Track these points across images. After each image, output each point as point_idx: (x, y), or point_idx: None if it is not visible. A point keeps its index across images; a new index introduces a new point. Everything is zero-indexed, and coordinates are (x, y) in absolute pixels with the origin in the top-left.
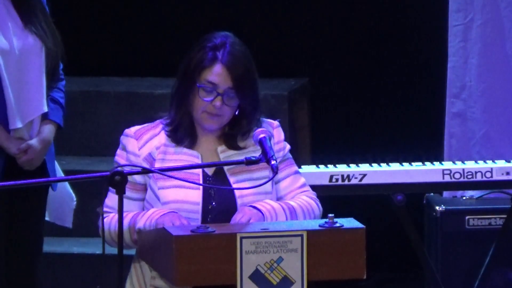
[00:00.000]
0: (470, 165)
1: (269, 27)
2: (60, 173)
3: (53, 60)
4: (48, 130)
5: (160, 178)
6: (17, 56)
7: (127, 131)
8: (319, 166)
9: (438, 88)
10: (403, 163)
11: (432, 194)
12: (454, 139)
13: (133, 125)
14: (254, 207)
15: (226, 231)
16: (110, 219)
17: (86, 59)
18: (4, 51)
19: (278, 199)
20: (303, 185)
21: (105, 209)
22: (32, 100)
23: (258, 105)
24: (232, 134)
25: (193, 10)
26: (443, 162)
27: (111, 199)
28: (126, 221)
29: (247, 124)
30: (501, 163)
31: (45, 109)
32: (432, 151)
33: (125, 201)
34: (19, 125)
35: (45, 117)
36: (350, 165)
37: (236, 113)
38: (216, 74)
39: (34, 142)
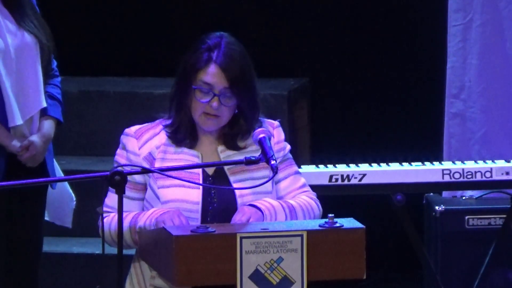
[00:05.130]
0: (469, 165)
1: (269, 27)
2: (59, 172)
3: (46, 55)
4: (48, 126)
5: (160, 177)
6: (13, 54)
7: (127, 130)
8: (319, 166)
9: (437, 88)
10: (403, 163)
11: (431, 194)
12: (453, 139)
13: (133, 125)
14: (254, 206)
15: (226, 231)
16: (110, 219)
17: (86, 59)
18: (0, 49)
19: (278, 198)
20: (303, 185)
21: (105, 209)
22: (31, 96)
23: (257, 104)
24: (232, 134)
25: (192, 10)
26: (442, 162)
27: (111, 198)
28: (126, 222)
29: (246, 124)
30: (500, 163)
31: (44, 104)
32: (432, 151)
33: (125, 200)
34: (19, 122)
35: (44, 113)
36: (350, 165)
37: (235, 112)
38: (211, 74)
39: (35, 138)
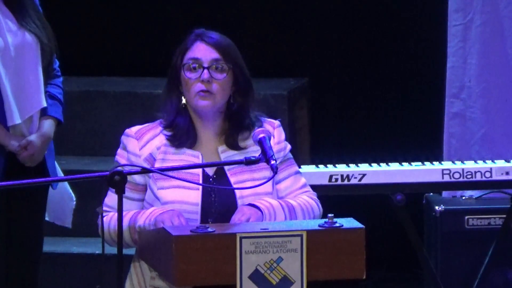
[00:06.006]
0: (469, 165)
1: (269, 27)
2: (59, 173)
3: (48, 55)
4: (48, 125)
5: (160, 178)
6: (12, 53)
7: (127, 131)
8: (319, 166)
9: (437, 88)
10: (403, 163)
11: (431, 194)
12: (453, 139)
13: (133, 125)
14: (253, 205)
15: (225, 231)
16: (109, 218)
17: (86, 59)
18: None
19: (279, 199)
20: (304, 186)
21: (104, 208)
22: (30, 96)
23: (250, 85)
24: (232, 133)
25: (192, 10)
26: (442, 162)
27: (111, 198)
28: (126, 220)
29: (243, 113)
30: (500, 163)
31: (44, 104)
32: (432, 151)
33: (125, 201)
34: (17, 121)
35: (44, 113)
36: (350, 165)
37: (234, 105)
38: (198, 49)
39: (33, 137)
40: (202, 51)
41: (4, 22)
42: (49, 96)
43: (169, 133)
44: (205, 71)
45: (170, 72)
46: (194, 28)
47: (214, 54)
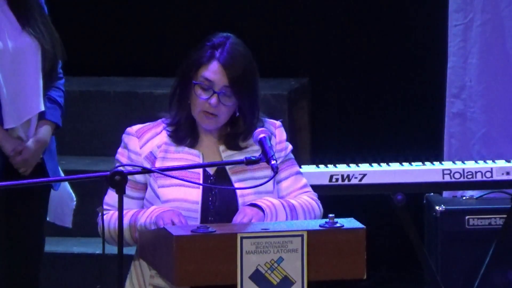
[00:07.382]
0: (470, 165)
1: (269, 27)
2: (60, 173)
3: (50, 61)
4: (44, 131)
5: (160, 176)
6: (11, 56)
7: (129, 129)
8: (319, 166)
9: (438, 88)
10: (403, 163)
11: (432, 194)
12: (454, 139)
13: (133, 125)
14: (255, 204)
15: (226, 231)
16: (109, 216)
17: (86, 59)
18: None
19: (279, 198)
20: (305, 186)
21: (104, 206)
22: (28, 100)
23: (256, 107)
24: (232, 135)
25: (193, 10)
26: (443, 162)
27: (111, 196)
28: (126, 219)
29: (245, 125)
30: (501, 163)
31: (42, 108)
32: (432, 151)
33: (125, 199)
34: (13, 125)
35: (42, 117)
36: (350, 165)
37: (237, 114)
38: (212, 71)
39: (29, 143)
40: (215, 74)
41: (6, 25)
42: (48, 99)
43: (171, 130)
44: (214, 96)
45: (182, 77)
46: (214, 36)
47: (226, 81)
